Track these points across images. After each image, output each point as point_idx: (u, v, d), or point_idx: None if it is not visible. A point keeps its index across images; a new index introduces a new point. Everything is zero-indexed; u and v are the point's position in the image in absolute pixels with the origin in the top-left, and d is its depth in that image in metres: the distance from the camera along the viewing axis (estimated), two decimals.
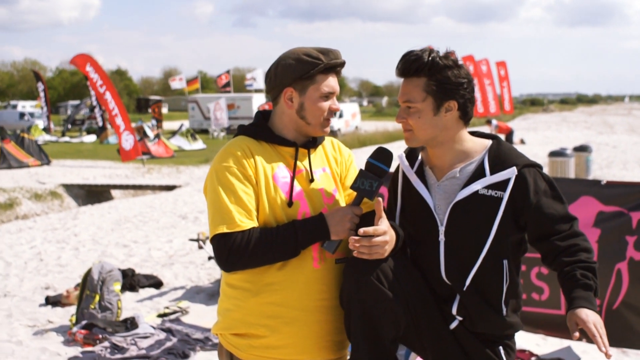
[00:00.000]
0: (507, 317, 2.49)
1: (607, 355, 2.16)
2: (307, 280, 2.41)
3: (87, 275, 5.95)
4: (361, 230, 2.28)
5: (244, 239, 2.33)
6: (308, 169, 2.50)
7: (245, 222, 2.35)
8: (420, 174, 2.55)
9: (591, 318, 2.21)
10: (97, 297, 5.79)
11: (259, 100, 38.02)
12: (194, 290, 6.94)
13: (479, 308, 2.44)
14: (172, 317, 5.96)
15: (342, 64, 2.49)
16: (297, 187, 2.46)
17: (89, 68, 19.30)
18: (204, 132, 37.00)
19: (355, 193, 2.49)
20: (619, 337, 3.80)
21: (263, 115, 2.57)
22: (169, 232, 10.35)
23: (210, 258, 7.09)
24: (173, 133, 30.36)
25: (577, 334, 2.20)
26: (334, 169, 2.60)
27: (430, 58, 2.39)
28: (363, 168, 2.52)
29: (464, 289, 2.44)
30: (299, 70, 2.42)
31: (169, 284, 7.28)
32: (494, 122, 27.18)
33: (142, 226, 10.92)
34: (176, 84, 39.67)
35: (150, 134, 28.51)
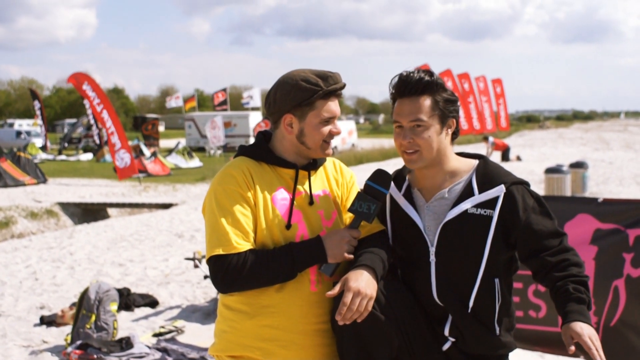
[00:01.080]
0: (501, 336, 2.48)
1: None
2: (304, 303, 2.40)
3: (84, 294, 5.91)
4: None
5: (240, 261, 2.31)
6: (308, 191, 2.48)
7: (242, 244, 2.33)
8: (408, 196, 2.55)
9: (586, 331, 2.20)
10: (94, 317, 5.75)
11: (255, 118, 38.07)
12: (190, 310, 6.90)
13: (472, 328, 2.43)
14: (168, 336, 5.92)
15: (342, 88, 2.46)
16: (296, 209, 2.44)
17: (86, 86, 19.34)
18: (201, 150, 37.04)
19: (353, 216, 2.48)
20: (616, 354, 3.77)
21: (264, 136, 2.55)
22: (165, 250, 10.30)
23: (206, 277, 7.05)
24: (170, 151, 30.38)
25: (572, 348, 2.20)
26: (334, 190, 2.58)
27: (433, 77, 2.41)
28: (361, 189, 2.51)
29: (456, 309, 2.43)
30: (298, 98, 2.39)
31: (164, 303, 7.23)
32: (491, 139, 27.26)
33: (138, 245, 10.88)
34: (173, 102, 39.71)
35: (147, 152, 28.52)
